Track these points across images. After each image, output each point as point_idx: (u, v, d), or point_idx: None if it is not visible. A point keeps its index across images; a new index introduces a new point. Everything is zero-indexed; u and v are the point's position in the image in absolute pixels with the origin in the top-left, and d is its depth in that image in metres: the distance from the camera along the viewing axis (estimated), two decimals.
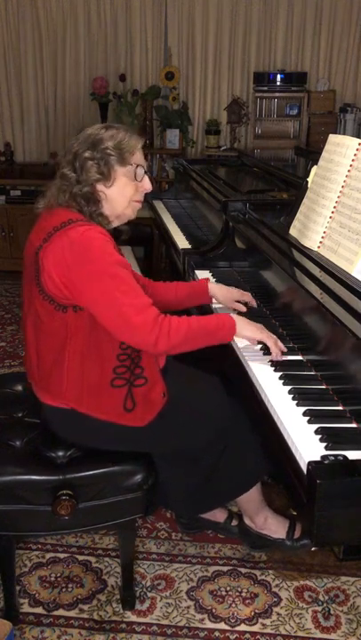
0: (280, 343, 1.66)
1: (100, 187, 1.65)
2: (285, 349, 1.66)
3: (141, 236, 3.99)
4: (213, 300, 2.00)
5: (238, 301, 1.94)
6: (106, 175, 1.64)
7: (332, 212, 1.75)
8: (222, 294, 1.96)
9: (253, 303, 1.97)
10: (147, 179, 1.73)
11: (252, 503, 1.97)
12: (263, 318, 1.91)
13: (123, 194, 1.68)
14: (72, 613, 1.85)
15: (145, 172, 1.72)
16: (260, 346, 1.71)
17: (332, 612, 1.85)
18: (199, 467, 1.80)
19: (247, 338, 1.69)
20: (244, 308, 1.92)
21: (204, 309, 2.04)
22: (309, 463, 1.17)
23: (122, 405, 1.64)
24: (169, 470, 1.80)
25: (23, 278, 1.68)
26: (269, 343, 1.64)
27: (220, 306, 1.98)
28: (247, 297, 1.97)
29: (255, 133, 4.96)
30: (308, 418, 1.36)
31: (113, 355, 1.61)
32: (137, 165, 1.68)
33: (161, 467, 1.77)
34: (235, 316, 1.71)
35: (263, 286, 2.01)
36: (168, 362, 1.81)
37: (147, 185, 1.72)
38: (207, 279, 2.05)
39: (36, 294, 1.59)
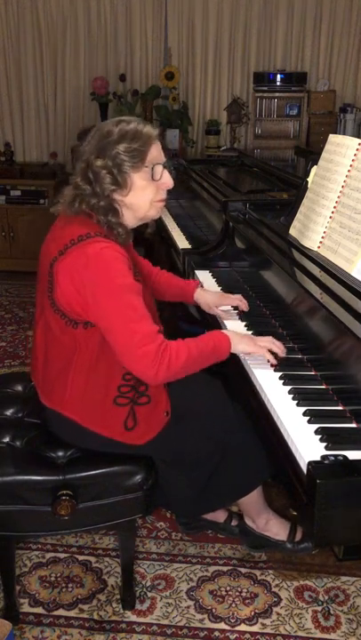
0: (275, 345, 1.63)
1: (117, 196, 1.57)
2: (283, 348, 1.64)
3: (141, 235, 3.99)
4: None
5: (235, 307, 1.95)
6: (121, 184, 1.55)
7: (332, 212, 1.75)
8: (205, 302, 1.96)
9: (244, 307, 1.94)
10: (167, 174, 1.62)
11: (253, 504, 1.97)
12: (263, 318, 1.92)
13: (142, 198, 1.59)
14: (72, 613, 1.85)
15: (164, 167, 1.61)
16: None
17: (332, 611, 1.85)
18: (200, 469, 1.80)
19: (242, 353, 1.66)
20: (228, 317, 1.91)
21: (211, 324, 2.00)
22: (309, 463, 1.17)
23: (122, 424, 1.64)
24: (169, 472, 1.80)
25: (37, 283, 1.64)
26: (267, 356, 1.61)
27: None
28: (235, 301, 1.95)
29: (255, 133, 4.96)
30: (308, 418, 1.36)
31: (119, 374, 1.60)
32: (153, 165, 1.58)
33: (161, 468, 1.77)
34: (228, 333, 1.67)
35: (263, 286, 2.01)
36: None
37: (168, 181, 1.62)
38: (197, 283, 2.04)
39: (48, 306, 1.57)
